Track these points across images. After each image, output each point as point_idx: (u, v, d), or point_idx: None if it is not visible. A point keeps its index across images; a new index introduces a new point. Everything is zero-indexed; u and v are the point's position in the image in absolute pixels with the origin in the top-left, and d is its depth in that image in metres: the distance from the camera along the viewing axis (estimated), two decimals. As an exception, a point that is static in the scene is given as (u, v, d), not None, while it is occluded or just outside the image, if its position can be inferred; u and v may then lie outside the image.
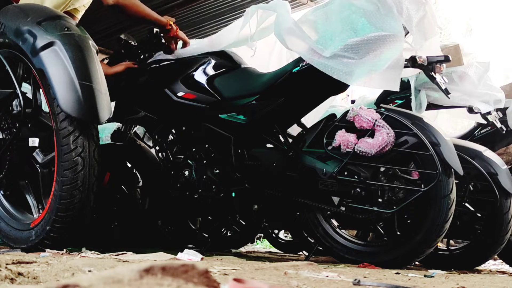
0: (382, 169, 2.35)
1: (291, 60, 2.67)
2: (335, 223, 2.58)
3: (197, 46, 2.76)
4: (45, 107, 2.12)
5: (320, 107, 2.77)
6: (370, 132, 2.34)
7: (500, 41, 21.23)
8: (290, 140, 2.63)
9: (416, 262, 2.69)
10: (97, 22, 6.59)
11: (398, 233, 2.40)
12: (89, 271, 1.33)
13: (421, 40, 2.45)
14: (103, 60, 2.93)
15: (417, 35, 2.40)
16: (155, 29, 2.74)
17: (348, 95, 5.55)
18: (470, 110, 3.08)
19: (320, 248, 2.83)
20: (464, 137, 3.63)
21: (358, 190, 2.33)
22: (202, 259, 2.02)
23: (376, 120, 2.33)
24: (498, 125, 3.23)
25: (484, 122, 3.29)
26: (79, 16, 2.74)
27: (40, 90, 2.10)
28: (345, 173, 2.37)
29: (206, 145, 2.69)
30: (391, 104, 3.19)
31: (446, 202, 2.25)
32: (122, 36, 2.89)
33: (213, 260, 2.10)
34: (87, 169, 1.98)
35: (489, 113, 3.17)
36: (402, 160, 2.40)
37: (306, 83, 2.48)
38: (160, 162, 2.90)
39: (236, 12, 6.83)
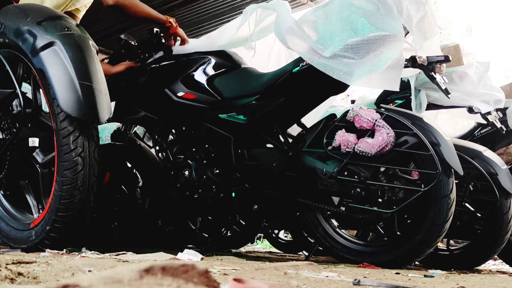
0: (382, 169, 2.35)
1: (290, 60, 2.67)
2: (335, 223, 2.58)
3: (195, 44, 2.77)
4: (45, 107, 2.11)
5: (320, 107, 2.76)
6: (370, 132, 2.34)
7: (500, 41, 21.25)
8: (290, 140, 2.63)
9: (416, 262, 2.69)
10: (97, 22, 6.58)
11: (398, 233, 2.40)
12: (89, 271, 1.33)
13: (421, 40, 2.45)
14: (103, 60, 2.93)
15: (417, 35, 2.40)
16: (155, 29, 2.75)
17: (348, 95, 5.55)
18: (470, 110, 3.08)
19: (320, 248, 2.83)
20: (464, 137, 3.63)
21: (358, 190, 2.33)
22: (202, 259, 2.02)
23: (376, 120, 2.33)
24: (498, 125, 3.23)
25: (484, 122, 3.28)
26: (80, 16, 2.74)
27: (40, 90, 2.10)
28: (345, 173, 2.37)
29: (206, 145, 2.69)
30: (391, 104, 3.19)
31: (446, 202, 2.25)
32: (122, 36, 2.89)
33: (213, 260, 2.10)
34: (87, 169, 1.98)
35: (489, 113, 3.17)
36: (402, 160, 2.40)
37: (306, 83, 2.48)
38: (160, 162, 2.90)
39: (236, 12, 6.82)
